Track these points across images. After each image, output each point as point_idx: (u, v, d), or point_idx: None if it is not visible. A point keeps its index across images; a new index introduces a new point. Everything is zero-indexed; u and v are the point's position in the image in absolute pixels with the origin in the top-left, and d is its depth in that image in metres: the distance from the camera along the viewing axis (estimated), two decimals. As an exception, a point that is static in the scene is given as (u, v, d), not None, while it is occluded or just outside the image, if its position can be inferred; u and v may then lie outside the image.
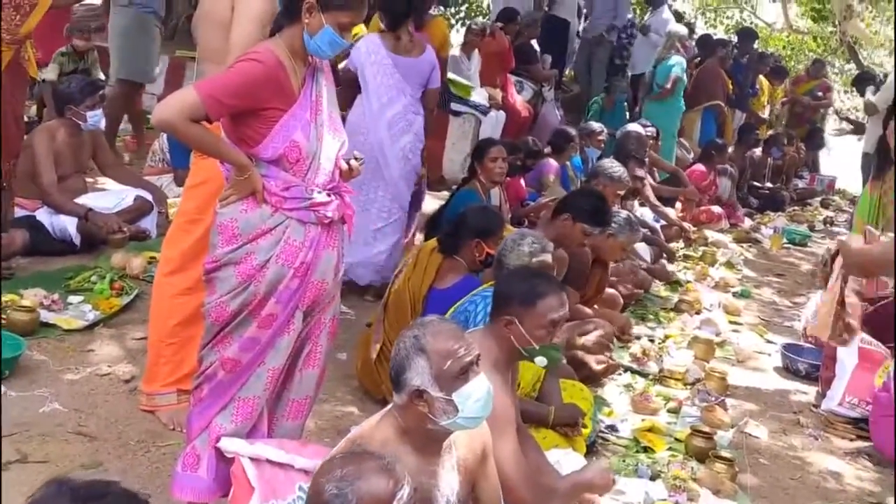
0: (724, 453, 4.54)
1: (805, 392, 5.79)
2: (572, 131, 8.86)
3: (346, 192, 3.32)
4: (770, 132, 13.37)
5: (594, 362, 5.15)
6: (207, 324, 3.23)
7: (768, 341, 6.77)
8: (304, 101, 3.16)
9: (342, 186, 3.31)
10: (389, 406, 2.80)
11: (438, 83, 6.15)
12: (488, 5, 17.43)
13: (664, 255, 7.99)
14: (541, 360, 3.35)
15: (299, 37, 3.13)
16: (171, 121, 3.04)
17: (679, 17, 14.20)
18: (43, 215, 5.83)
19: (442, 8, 14.64)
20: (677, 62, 10.45)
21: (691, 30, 14.99)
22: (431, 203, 7.96)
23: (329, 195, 3.22)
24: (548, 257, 4.35)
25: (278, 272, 3.15)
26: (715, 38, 12.90)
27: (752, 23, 23.49)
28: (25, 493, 3.28)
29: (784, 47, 23.71)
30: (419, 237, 6.99)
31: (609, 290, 6.13)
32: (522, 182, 7.92)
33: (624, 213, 6.05)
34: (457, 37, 11.89)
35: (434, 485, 2.73)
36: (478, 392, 2.69)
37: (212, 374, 3.23)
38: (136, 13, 8.13)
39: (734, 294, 7.72)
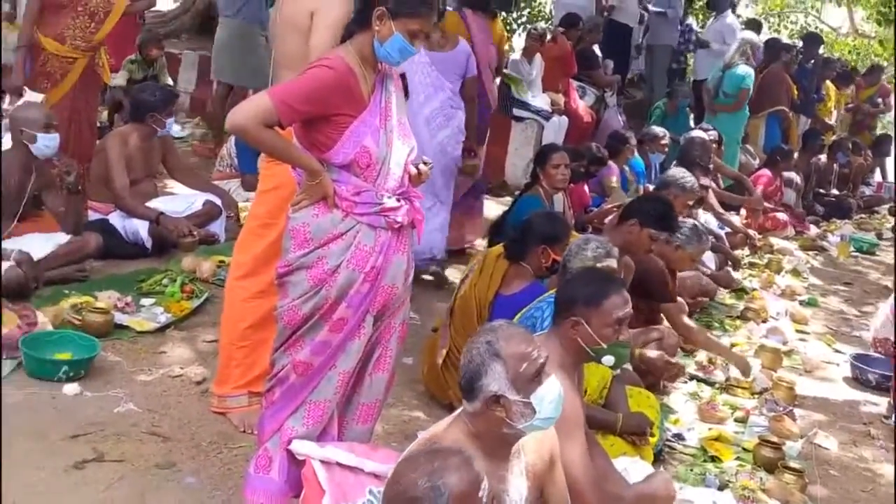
0: (794, 464, 4.49)
1: (875, 403, 5.69)
2: (627, 134, 8.81)
3: (415, 196, 3.35)
4: (834, 138, 13.14)
5: (659, 360, 5.08)
6: (280, 327, 3.28)
7: (837, 351, 6.66)
8: (374, 107, 3.19)
9: (411, 191, 3.34)
10: (457, 412, 2.81)
11: (475, 72, 6.35)
12: (550, 10, 17.41)
13: (729, 263, 7.90)
14: (608, 360, 3.35)
15: (369, 44, 3.17)
16: (244, 126, 3.10)
17: (756, 24, 13.95)
18: (116, 219, 5.95)
19: (503, 13, 14.69)
20: (747, 74, 10.29)
21: (759, 27, 14.82)
22: (494, 209, 7.98)
23: (399, 200, 3.24)
24: (612, 262, 4.34)
25: (349, 277, 3.18)
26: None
27: (816, 27, 23.17)
28: (102, 490, 3.39)
29: (849, 52, 23.31)
30: (481, 242, 7.01)
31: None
32: (586, 188, 7.89)
33: (691, 223, 6.00)
34: (518, 41, 11.90)
35: (504, 489, 2.74)
36: (551, 393, 2.72)
37: (284, 377, 3.27)
38: (241, 23, 8.30)
39: (801, 302, 7.61)
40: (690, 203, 6.73)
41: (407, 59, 3.26)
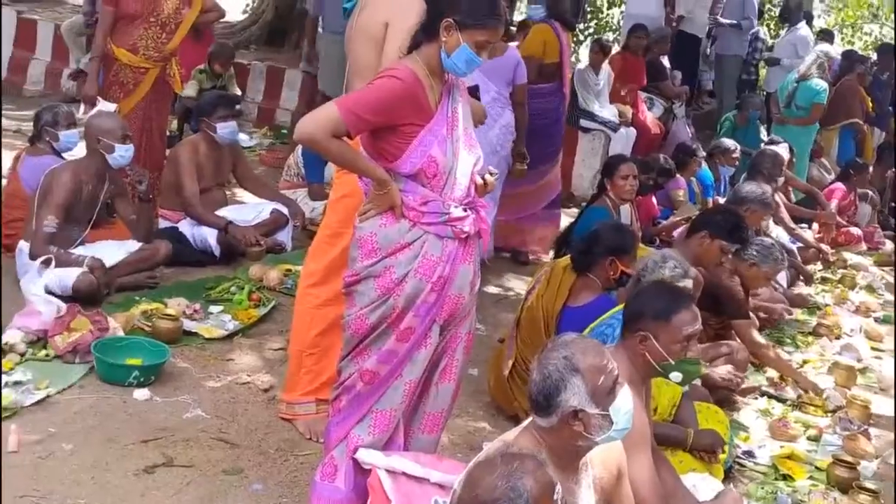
0: (869, 484, 4.36)
1: (953, 423, 5.51)
2: (694, 146, 8.70)
3: (481, 206, 3.33)
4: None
5: (725, 374, 4.99)
6: (346, 336, 3.28)
7: (913, 369, 6.48)
8: (441, 116, 3.18)
9: (478, 201, 3.32)
10: (525, 424, 2.78)
11: (524, 79, 6.48)
12: (618, 21, 17.31)
13: (801, 278, 7.74)
14: (676, 376, 3.31)
15: (436, 54, 3.16)
16: (313, 135, 3.11)
17: (829, 34, 13.69)
18: (185, 227, 6.03)
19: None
20: (822, 88, 10.09)
21: (831, 38, 14.55)
22: (561, 220, 7.92)
23: (465, 210, 3.23)
24: (689, 283, 4.28)
25: (416, 286, 3.17)
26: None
27: (891, 38, 22.65)
28: (171, 495, 3.42)
29: (925, 63, 22.76)
30: (549, 253, 6.96)
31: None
32: (654, 200, 7.80)
33: (768, 241, 5.88)
34: (585, 52, 11.85)
35: (573, 502, 2.71)
36: (626, 403, 2.71)
37: (351, 386, 3.27)
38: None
39: (876, 319, 7.40)
40: (765, 219, 6.63)
41: (473, 69, 3.25)
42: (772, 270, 5.82)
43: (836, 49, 11.07)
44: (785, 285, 7.31)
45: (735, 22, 11.80)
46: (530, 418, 2.77)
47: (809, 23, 12.86)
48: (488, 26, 3.14)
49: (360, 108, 3.08)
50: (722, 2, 11.90)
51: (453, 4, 3.11)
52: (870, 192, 10.29)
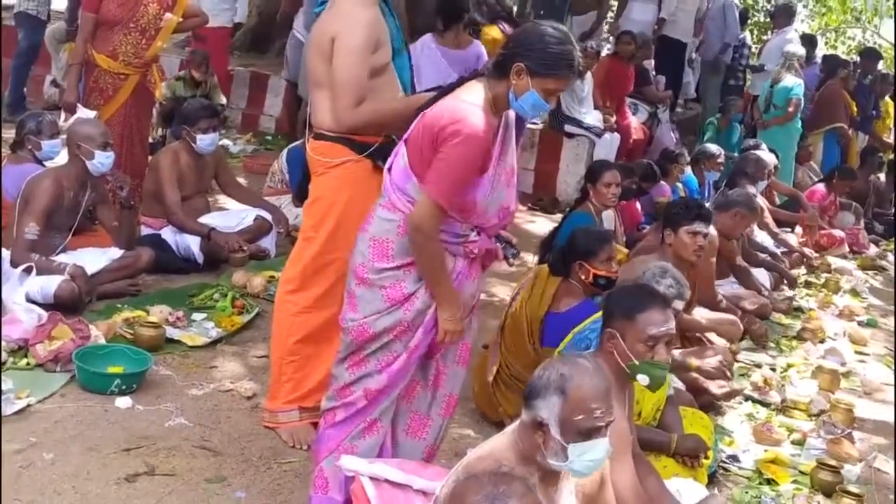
0: (853, 488, 4.37)
1: (938, 426, 5.53)
2: (679, 151, 8.73)
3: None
4: (893, 156, 12.89)
5: (714, 386, 5.01)
6: (346, 341, 3.26)
7: (897, 373, 6.50)
8: (495, 156, 3.15)
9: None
10: (511, 428, 2.78)
11: None
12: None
13: (785, 282, 7.76)
14: (643, 378, 3.26)
15: (504, 94, 3.10)
16: (428, 233, 3.09)
17: (811, 40, 13.75)
18: (168, 234, 6.00)
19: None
20: (795, 84, 10.18)
21: (814, 44, 14.61)
22: (545, 225, 7.93)
23: (478, 233, 3.22)
24: (680, 305, 4.31)
25: (426, 302, 3.18)
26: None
27: (874, 43, 22.80)
28: (153, 504, 3.39)
29: (908, 68, 22.91)
30: (531, 259, 6.95)
31: (728, 316, 5.96)
32: (638, 206, 7.82)
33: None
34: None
35: None
36: (594, 454, 2.66)
37: (352, 402, 3.26)
38: None
39: (860, 323, 7.43)
40: (752, 223, 6.67)
41: (539, 114, 3.25)
42: (752, 216, 6.23)
43: (802, 49, 11.06)
44: (769, 287, 7.33)
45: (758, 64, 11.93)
46: (515, 423, 2.77)
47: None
48: (560, 77, 3.09)
49: (452, 188, 3.05)
50: (706, 7, 11.94)
51: (528, 50, 3.05)
52: (854, 204, 10.39)
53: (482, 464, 2.64)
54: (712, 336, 5.54)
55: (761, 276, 7.27)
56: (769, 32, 12.67)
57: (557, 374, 2.64)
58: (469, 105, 3.06)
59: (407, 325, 3.17)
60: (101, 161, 5.22)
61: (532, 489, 2.31)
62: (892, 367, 6.62)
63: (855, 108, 11.66)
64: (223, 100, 9.50)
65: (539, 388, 2.65)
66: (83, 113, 5.70)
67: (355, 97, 3.66)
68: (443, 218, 3.07)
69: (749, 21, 15.30)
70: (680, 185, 8.41)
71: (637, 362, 3.22)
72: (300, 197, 5.76)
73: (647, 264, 4.57)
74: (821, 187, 9.93)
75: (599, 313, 4.05)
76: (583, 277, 4.46)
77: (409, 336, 3.18)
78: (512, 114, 3.23)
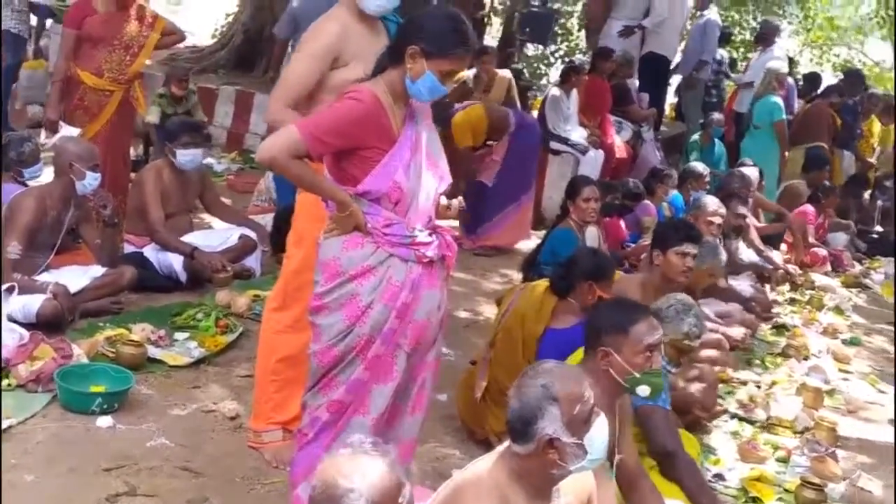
0: (836, 507, 4.37)
1: (921, 444, 5.53)
2: (667, 171, 8.76)
3: (446, 232, 3.32)
4: (879, 174, 12.94)
5: (699, 409, 5.01)
6: (313, 368, 3.24)
7: (880, 391, 6.50)
8: (405, 140, 3.18)
9: (444, 228, 3.31)
10: (500, 449, 2.77)
11: None
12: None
13: (766, 287, 7.83)
14: (643, 390, 3.30)
15: (400, 80, 3.15)
16: (274, 157, 3.10)
17: (792, 62, 13.86)
18: (150, 252, 5.97)
19: (541, 46, 14.69)
20: (774, 103, 10.24)
21: (793, 65, 14.71)
22: (528, 242, 7.94)
23: (430, 235, 3.22)
24: (696, 344, 4.44)
25: (382, 312, 3.15)
26: (825, 85, 12.67)
27: (859, 60, 22.99)
28: (134, 526, 3.36)
29: (893, 86, 23.07)
30: (517, 277, 6.94)
31: (712, 336, 5.97)
32: (622, 223, 7.83)
33: (711, 241, 5.94)
34: (556, 74, 11.89)
35: None
36: (601, 432, 2.70)
37: (317, 418, 3.24)
38: None
39: (843, 341, 7.45)
40: (714, 221, 6.60)
41: (436, 97, 3.25)
42: (714, 266, 5.93)
43: (783, 65, 11.13)
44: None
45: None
46: (505, 444, 2.75)
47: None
48: (454, 56, 3.13)
49: (321, 130, 3.08)
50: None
51: (421, 32, 3.11)
52: (850, 223, 10.47)
53: (474, 487, 2.65)
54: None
55: (741, 286, 7.33)
56: (756, 50, 12.67)
57: (537, 390, 2.64)
58: (362, 85, 3.19)
59: (367, 339, 3.15)
60: (90, 182, 5.25)
61: None
62: (879, 385, 6.63)
63: (840, 125, 11.73)
64: (203, 117, 9.49)
65: (530, 413, 2.63)
66: (67, 131, 5.67)
67: (290, 96, 3.66)
68: (295, 153, 3.08)
69: (733, 39, 15.35)
70: (665, 204, 8.43)
71: (637, 375, 3.26)
72: (276, 250, 5.77)
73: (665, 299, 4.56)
74: (810, 208, 9.97)
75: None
76: (589, 298, 4.45)
77: (368, 349, 3.16)
78: (425, 108, 3.28)
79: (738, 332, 4.99)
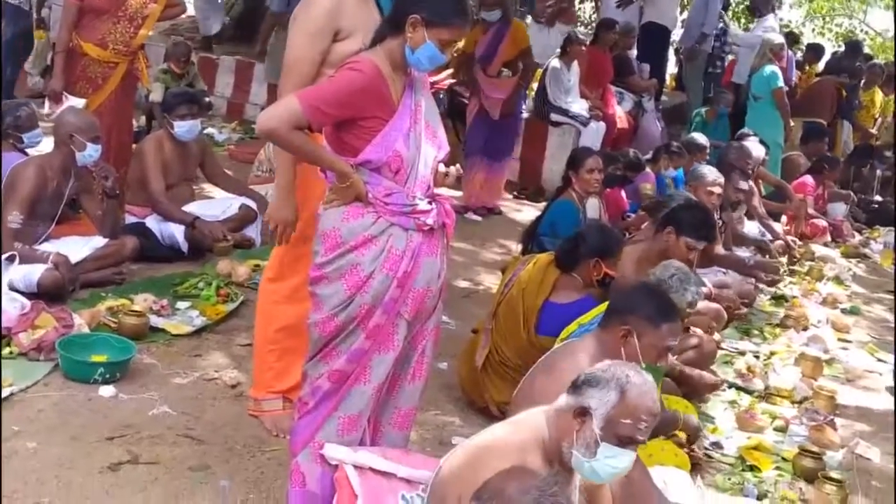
0: (835, 475, 4.38)
1: (919, 413, 5.56)
2: (675, 147, 8.73)
3: (445, 200, 3.32)
4: (879, 143, 12.93)
5: (697, 376, 5.03)
6: (314, 338, 3.24)
7: (879, 360, 6.53)
8: (404, 110, 3.17)
9: (443, 196, 3.32)
10: (543, 410, 2.81)
11: None
12: (590, 16, 17.31)
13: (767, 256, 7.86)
14: None
15: (400, 49, 3.14)
16: (274, 128, 3.09)
17: (793, 38, 13.76)
18: (152, 222, 5.99)
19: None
20: (773, 73, 10.20)
21: (795, 40, 14.63)
22: (530, 214, 7.94)
23: (430, 203, 3.22)
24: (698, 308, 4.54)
25: (383, 281, 3.14)
26: (833, 56, 12.64)
27: (862, 31, 22.88)
28: (136, 492, 3.40)
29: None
30: (516, 247, 6.94)
31: (712, 305, 5.98)
32: (623, 194, 7.82)
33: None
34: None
35: (567, 496, 2.74)
36: (619, 462, 2.72)
37: (318, 387, 3.24)
38: None
39: (843, 311, 7.47)
40: (713, 191, 6.58)
41: (436, 66, 3.25)
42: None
43: (778, 36, 11.06)
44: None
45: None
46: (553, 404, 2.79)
47: (775, 12, 12.91)
48: (454, 25, 3.14)
49: (321, 100, 3.07)
50: None
51: (421, 2, 3.10)
52: (850, 193, 10.45)
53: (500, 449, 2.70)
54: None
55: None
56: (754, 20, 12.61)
57: (624, 374, 2.70)
58: (362, 55, 3.17)
59: (368, 308, 3.15)
60: (91, 154, 5.26)
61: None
62: (878, 353, 6.66)
63: (844, 94, 11.71)
64: (204, 87, 9.50)
65: (599, 379, 2.69)
66: (72, 102, 5.66)
67: (297, 80, 3.61)
68: (296, 124, 3.06)
69: (731, 8, 15.27)
70: (665, 172, 8.41)
71: (643, 365, 3.26)
72: None
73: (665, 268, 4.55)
74: (809, 179, 9.95)
75: (599, 308, 4.01)
76: (594, 274, 4.46)
77: (369, 318, 3.16)
78: (424, 77, 3.28)
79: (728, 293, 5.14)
